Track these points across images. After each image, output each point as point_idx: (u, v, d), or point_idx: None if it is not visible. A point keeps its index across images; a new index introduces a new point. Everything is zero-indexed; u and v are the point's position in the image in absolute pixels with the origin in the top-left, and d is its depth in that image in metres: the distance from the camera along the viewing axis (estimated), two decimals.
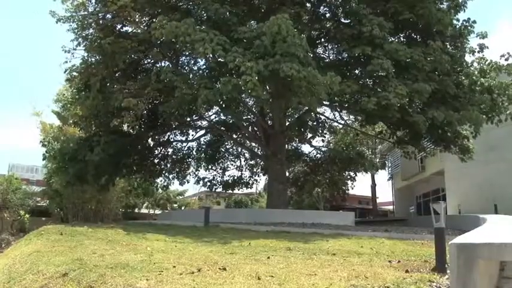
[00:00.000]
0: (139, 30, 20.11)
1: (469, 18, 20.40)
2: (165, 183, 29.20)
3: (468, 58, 21.28)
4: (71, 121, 23.69)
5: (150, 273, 5.68)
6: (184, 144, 28.19)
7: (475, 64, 21.30)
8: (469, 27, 20.35)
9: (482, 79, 20.46)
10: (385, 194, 64.12)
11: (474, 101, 19.25)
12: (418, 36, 20.55)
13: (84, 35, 19.47)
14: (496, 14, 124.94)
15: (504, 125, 21.78)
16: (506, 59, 20.97)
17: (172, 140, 27.27)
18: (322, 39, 23.16)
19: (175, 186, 49.98)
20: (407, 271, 6.11)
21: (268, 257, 7.48)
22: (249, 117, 26.18)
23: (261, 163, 29.42)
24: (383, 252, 8.53)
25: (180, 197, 55.13)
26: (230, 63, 15.00)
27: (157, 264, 6.37)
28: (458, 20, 20.55)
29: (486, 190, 27.92)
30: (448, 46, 20.30)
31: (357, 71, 20.95)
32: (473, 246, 3.20)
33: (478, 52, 20.74)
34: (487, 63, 20.99)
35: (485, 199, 26.33)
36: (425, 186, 40.84)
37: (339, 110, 25.10)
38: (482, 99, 19.39)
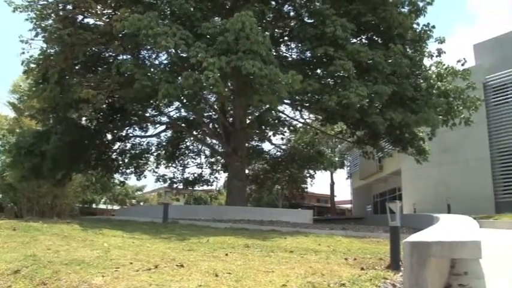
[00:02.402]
0: (100, 22, 19.72)
1: (428, 23, 20.88)
2: (123, 179, 28.85)
3: (426, 62, 21.83)
4: (27, 113, 23.07)
5: (106, 270, 5.59)
6: (144, 139, 27.89)
7: (433, 68, 21.85)
8: (429, 32, 20.81)
9: (439, 83, 21.02)
10: (344, 193, 65.20)
11: (431, 104, 19.70)
12: (380, 39, 20.89)
13: (43, 25, 18.89)
14: (454, 18, 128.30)
15: (458, 128, 22.45)
16: (462, 64, 21.67)
17: (131, 135, 26.90)
18: (286, 38, 23.28)
19: (134, 181, 49.43)
20: (362, 268, 6.20)
21: (226, 254, 7.47)
22: (210, 113, 26.10)
23: (221, 160, 29.35)
24: (340, 250, 8.63)
25: (139, 193, 54.54)
26: (192, 58, 14.89)
27: (113, 261, 6.27)
28: (418, 24, 20.99)
29: (440, 190, 28.76)
30: (408, 49, 20.69)
31: (319, 71, 21.11)
32: (425, 244, 3.28)
33: (436, 56, 21.27)
34: (444, 67, 21.59)
35: (440, 199, 27.11)
36: (382, 186, 41.70)
37: (299, 108, 25.29)
38: (438, 102, 19.89)
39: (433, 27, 20.80)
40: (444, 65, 21.69)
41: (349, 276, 5.48)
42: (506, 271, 6.05)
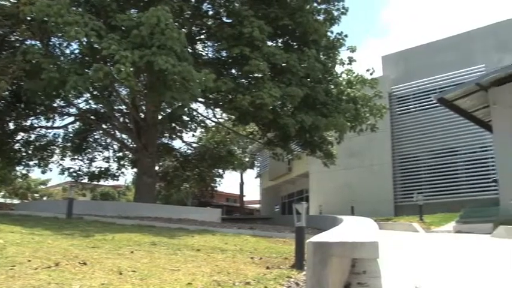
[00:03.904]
0: (6, 3, 18.49)
1: (341, 32, 21.81)
2: (25, 171, 27.39)
3: (338, 69, 22.68)
4: None
5: (0, 268, 5.26)
6: (50, 131, 26.61)
7: (344, 75, 22.77)
8: (341, 40, 21.67)
9: (349, 89, 21.93)
10: (253, 193, 66.03)
11: (340, 109, 20.47)
12: (295, 43, 21.37)
13: None
14: (367, 29, 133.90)
15: (364, 134, 23.52)
16: (371, 74, 22.79)
17: (36, 125, 25.56)
18: (203, 36, 23.19)
19: (37, 175, 47.20)
20: (268, 267, 6.30)
21: (132, 252, 7.31)
22: (121, 107, 25.39)
23: (130, 155, 28.70)
24: (246, 249, 8.72)
25: (43, 187, 52.13)
26: (104, 50, 14.39)
27: (9, 259, 5.91)
28: (332, 32, 21.83)
29: (345, 193, 29.96)
30: (322, 55, 21.36)
31: (234, 71, 21.26)
32: (328, 244, 3.38)
33: (347, 64, 22.25)
34: (354, 75, 22.58)
35: (345, 201, 28.24)
36: (290, 187, 42.66)
37: (213, 107, 25.26)
38: (347, 108, 20.71)
39: (346, 36, 21.70)
40: (354, 73, 22.69)
41: (254, 275, 5.55)
42: (401, 270, 6.39)
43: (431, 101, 23.16)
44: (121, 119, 25.02)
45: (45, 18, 14.86)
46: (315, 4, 20.70)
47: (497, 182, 17.50)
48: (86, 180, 29.49)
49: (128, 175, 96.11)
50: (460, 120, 23.94)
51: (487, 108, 17.93)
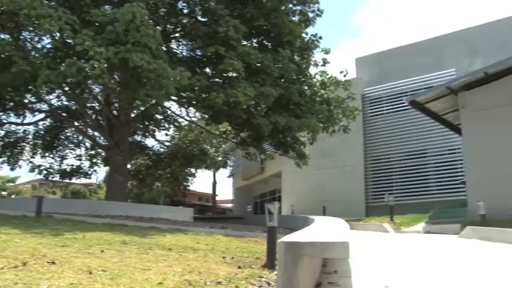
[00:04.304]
0: None
1: (316, 34, 21.96)
2: None
3: (312, 70, 22.82)
4: None
5: None
6: (20, 127, 26.08)
7: (318, 76, 22.94)
8: (316, 42, 21.81)
9: (322, 91, 22.11)
10: (225, 192, 65.96)
11: (314, 110, 20.63)
12: (270, 44, 21.46)
13: None
14: (341, 31, 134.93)
15: (337, 135, 23.74)
16: (345, 75, 23.00)
17: (5, 121, 24.99)
18: (177, 34, 23.07)
19: (6, 172, 46.28)
20: (239, 267, 6.31)
21: (102, 251, 7.23)
22: (93, 104, 25.03)
23: (102, 153, 28.33)
24: (218, 249, 8.72)
25: (11, 184, 51.12)
26: (78, 46, 14.18)
27: None
28: (307, 33, 21.97)
29: (317, 193, 30.16)
30: (296, 56, 21.47)
31: (208, 70, 21.21)
32: (299, 244, 3.42)
33: (321, 66, 22.41)
34: (327, 77, 22.77)
35: (317, 201, 28.42)
36: (263, 187, 42.73)
37: (186, 106, 25.13)
38: (321, 109, 20.88)
39: (320, 37, 21.84)
40: (328, 74, 22.87)
41: (225, 275, 5.56)
42: (371, 270, 6.48)
43: (403, 103, 23.53)
44: (93, 116, 24.67)
45: (17, 11, 14.56)
46: (291, 5, 20.83)
47: (465, 183, 17.88)
48: (57, 178, 28.97)
49: (100, 173, 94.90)
50: (431, 123, 24.35)
51: (457, 112, 18.30)
